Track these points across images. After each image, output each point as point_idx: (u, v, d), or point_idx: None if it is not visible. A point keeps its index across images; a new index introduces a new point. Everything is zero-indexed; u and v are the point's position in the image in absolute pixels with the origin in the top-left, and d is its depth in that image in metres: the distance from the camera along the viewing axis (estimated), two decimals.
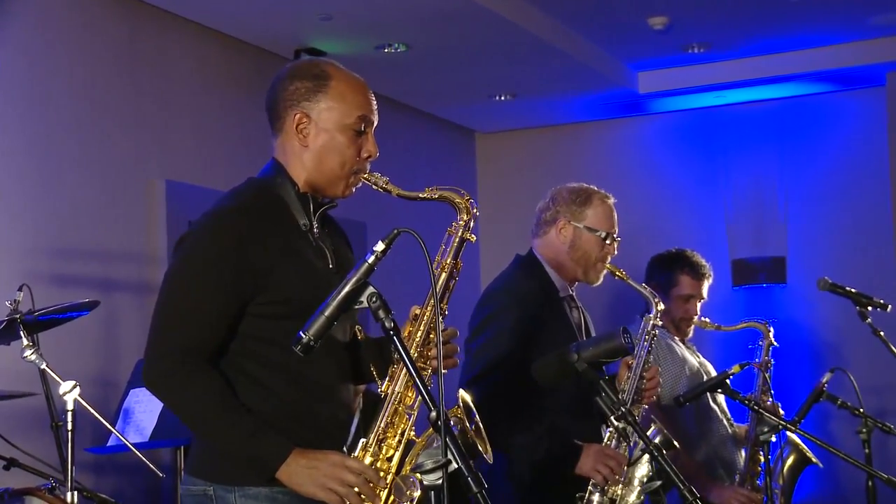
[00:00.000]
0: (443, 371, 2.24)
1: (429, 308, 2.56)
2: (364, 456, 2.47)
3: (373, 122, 2.63)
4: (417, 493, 2.36)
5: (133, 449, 3.79)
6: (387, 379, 2.54)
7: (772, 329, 4.53)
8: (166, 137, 5.59)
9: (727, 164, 7.85)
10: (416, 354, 2.54)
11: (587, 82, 7.29)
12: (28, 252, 4.80)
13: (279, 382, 2.51)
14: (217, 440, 2.47)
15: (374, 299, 2.29)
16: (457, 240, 2.61)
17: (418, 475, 2.39)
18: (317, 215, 2.62)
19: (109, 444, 4.27)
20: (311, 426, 2.51)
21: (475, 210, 2.62)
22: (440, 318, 2.35)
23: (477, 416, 2.42)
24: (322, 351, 2.33)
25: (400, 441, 2.49)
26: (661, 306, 3.74)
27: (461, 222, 2.62)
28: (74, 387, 3.50)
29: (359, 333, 2.68)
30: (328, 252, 2.62)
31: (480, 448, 2.44)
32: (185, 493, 2.56)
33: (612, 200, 3.70)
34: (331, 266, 2.61)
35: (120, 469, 4.95)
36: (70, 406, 3.51)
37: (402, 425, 2.50)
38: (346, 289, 2.29)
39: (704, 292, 4.56)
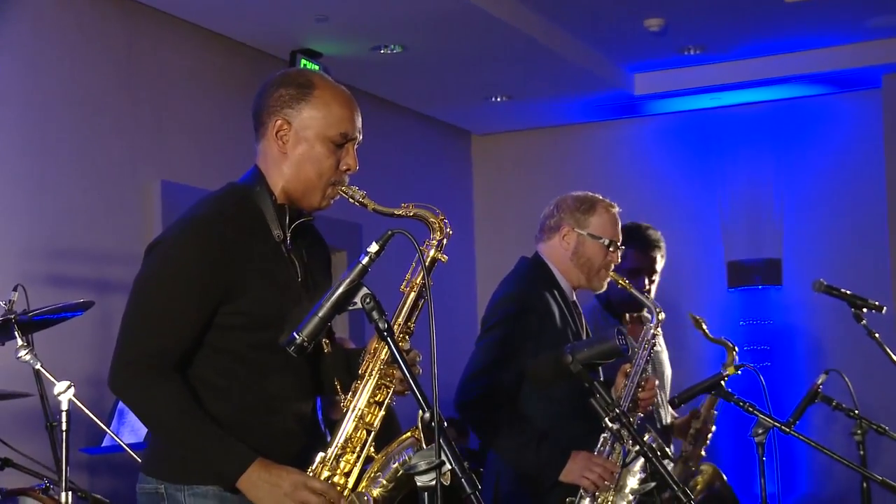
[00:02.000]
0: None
1: (396, 327, 2.54)
2: (322, 470, 2.48)
3: (355, 139, 2.60)
4: None
5: (128, 449, 3.78)
6: (349, 394, 2.53)
7: (737, 359, 4.41)
8: (162, 138, 5.59)
9: (723, 166, 7.86)
10: (379, 372, 2.53)
11: (583, 84, 7.29)
12: (23, 252, 4.79)
13: (236, 392, 2.52)
14: (181, 447, 2.48)
15: (368, 300, 2.29)
16: (428, 260, 2.57)
17: (373, 492, 2.44)
18: (291, 227, 2.60)
19: (104, 444, 4.26)
20: (265, 437, 2.51)
21: (448, 230, 2.60)
22: (433, 322, 2.34)
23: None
24: (281, 363, 2.38)
25: (358, 457, 2.49)
26: (662, 315, 3.75)
27: (434, 241, 2.59)
28: (69, 387, 3.50)
29: (325, 346, 2.66)
30: (299, 265, 2.61)
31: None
32: (139, 492, 2.59)
33: (616, 209, 3.72)
34: (300, 279, 2.59)
35: (114, 469, 4.95)
36: (64, 406, 3.50)
37: (361, 441, 2.50)
38: (341, 290, 2.29)
39: (658, 268, 4.37)
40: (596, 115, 8.06)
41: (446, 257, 2.59)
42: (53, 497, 3.67)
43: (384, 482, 2.46)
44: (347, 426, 2.50)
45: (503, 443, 3.48)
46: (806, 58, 7.19)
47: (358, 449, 2.50)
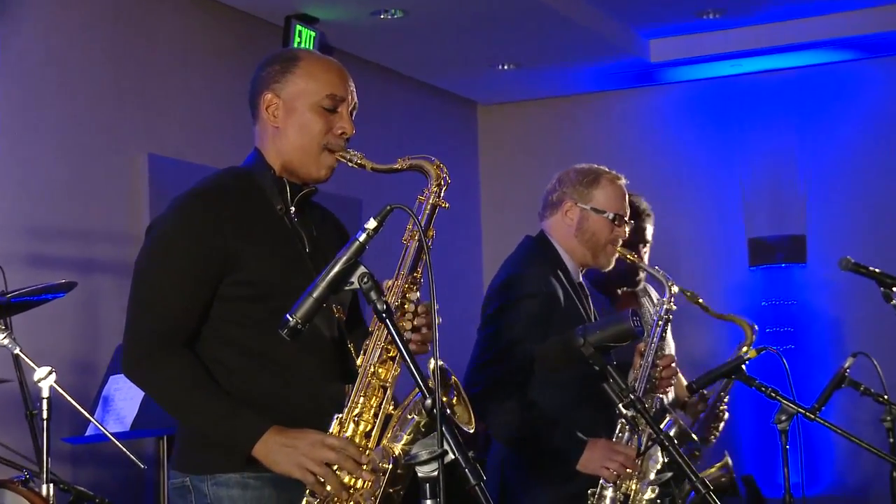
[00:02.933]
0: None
1: (399, 279, 2.56)
2: (340, 432, 2.51)
3: (344, 100, 2.69)
4: (388, 466, 2.44)
5: (113, 439, 3.78)
6: (360, 353, 2.57)
7: (756, 335, 4.42)
8: (149, 109, 5.56)
9: (743, 138, 7.82)
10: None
11: (595, 51, 7.26)
12: (1, 230, 4.78)
13: (248, 367, 2.59)
14: (194, 422, 2.57)
15: (365, 280, 2.30)
16: (428, 206, 2.62)
17: (395, 448, 2.45)
18: (295, 200, 2.69)
19: (88, 433, 4.26)
20: (283, 414, 2.55)
21: (446, 175, 2.65)
22: (435, 307, 2.33)
23: (453, 377, 2.41)
24: (303, 346, 2.43)
25: (376, 415, 2.52)
26: (676, 289, 3.72)
27: (433, 188, 2.63)
28: (50, 373, 3.49)
29: (336, 311, 2.68)
30: (305, 236, 2.68)
31: (462, 418, 2.44)
32: (170, 488, 2.69)
33: (622, 181, 3.69)
34: (307, 250, 2.66)
35: (99, 460, 4.95)
36: (45, 393, 3.50)
37: (378, 399, 2.53)
38: (336, 268, 2.30)
39: (649, 235, 4.35)
40: (609, 83, 8.02)
41: (448, 204, 2.63)
42: (34, 490, 3.66)
43: (406, 437, 2.46)
44: (361, 384, 2.52)
45: (515, 434, 3.46)
46: (831, 21, 7.14)
47: (374, 407, 2.52)
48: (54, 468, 3.58)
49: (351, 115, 2.70)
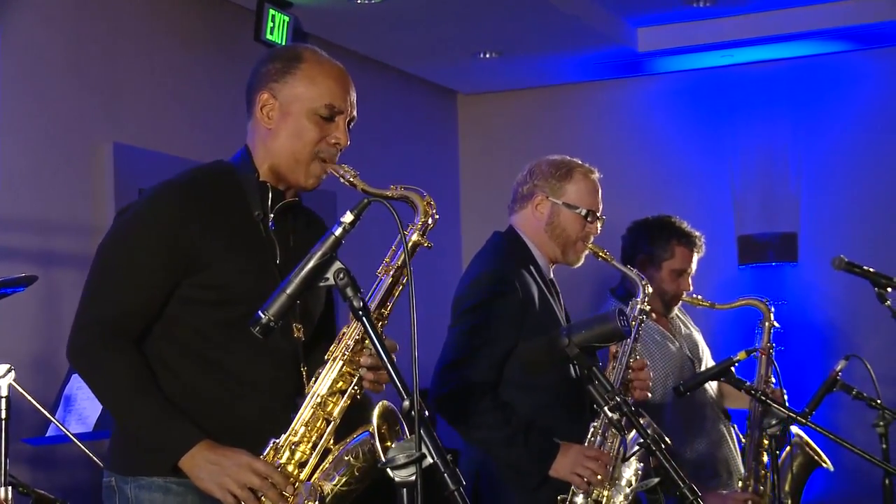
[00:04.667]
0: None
1: (373, 304, 2.55)
2: (273, 457, 2.51)
3: (343, 113, 2.70)
4: None
5: (75, 440, 3.77)
6: (311, 380, 2.57)
7: (773, 308, 4.50)
8: (114, 97, 5.53)
9: (734, 131, 7.84)
10: (344, 359, 2.54)
11: (580, 39, 7.26)
12: None
13: (195, 373, 2.60)
14: (127, 421, 2.59)
15: (341, 276, 2.30)
16: (410, 243, 2.59)
17: (325, 487, 2.46)
18: (275, 208, 2.69)
19: (48, 434, 4.24)
20: (226, 425, 2.57)
21: (434, 213, 2.62)
22: (413, 302, 2.32)
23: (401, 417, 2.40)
24: (250, 346, 2.44)
25: (314, 446, 2.52)
26: (650, 289, 3.74)
27: (418, 224, 2.60)
28: (9, 370, 3.49)
29: (295, 331, 2.68)
30: (279, 247, 2.68)
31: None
32: (103, 486, 2.72)
33: (596, 175, 3.69)
34: (277, 261, 2.66)
35: (60, 462, 4.93)
36: (3, 392, 3.50)
37: (318, 431, 2.53)
38: (311, 264, 2.31)
39: (695, 266, 4.53)
40: (594, 73, 8.03)
41: (431, 244, 2.61)
42: None
43: (338, 478, 2.48)
44: (305, 413, 2.53)
45: (486, 437, 3.46)
46: (826, 11, 7.16)
47: (314, 438, 2.53)
48: (13, 470, 3.57)
49: (348, 126, 2.72)
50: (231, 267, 2.59)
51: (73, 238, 5.17)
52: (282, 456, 2.51)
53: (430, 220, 2.60)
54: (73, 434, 3.82)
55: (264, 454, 2.51)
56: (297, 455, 2.52)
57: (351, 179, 2.61)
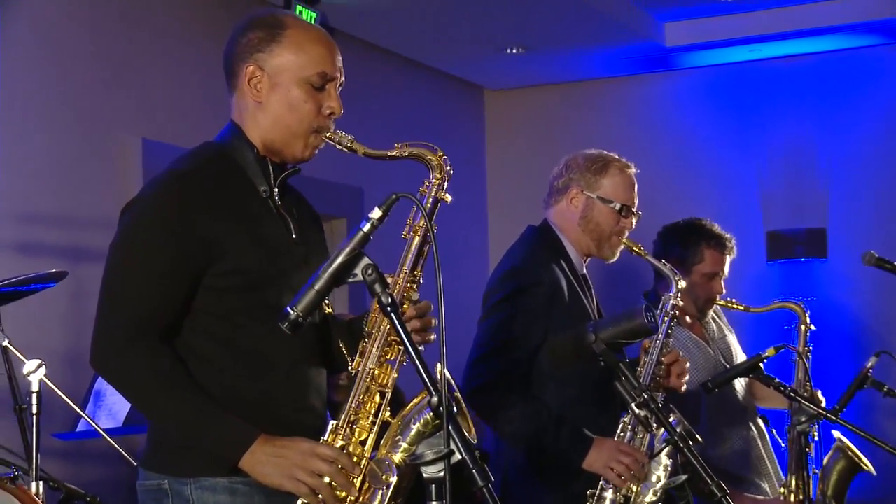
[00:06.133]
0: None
1: (401, 276, 2.55)
2: (334, 440, 2.47)
3: (335, 79, 2.60)
4: (394, 479, 2.39)
5: (105, 435, 3.79)
6: (356, 355, 2.53)
7: (808, 311, 4.47)
8: (143, 92, 5.56)
9: (762, 126, 7.81)
10: (387, 329, 2.51)
11: (608, 34, 7.24)
12: None
13: (231, 362, 2.51)
14: (174, 426, 2.48)
15: (369, 272, 2.28)
16: (429, 200, 2.58)
17: (395, 457, 2.41)
18: (278, 182, 2.61)
19: (79, 429, 4.26)
20: (268, 412, 2.50)
21: (449, 167, 2.60)
22: (441, 294, 2.30)
23: (457, 391, 2.40)
24: (289, 338, 2.32)
25: (373, 422, 2.49)
26: (683, 284, 3.73)
27: (435, 181, 2.59)
28: (40, 366, 3.51)
29: (326, 308, 2.67)
30: (291, 221, 2.61)
31: (462, 426, 2.43)
32: (140, 489, 2.57)
33: (632, 170, 3.69)
34: (293, 236, 2.60)
35: (90, 457, 4.95)
36: (35, 387, 3.51)
37: (375, 405, 2.49)
38: (339, 260, 2.28)
39: (727, 268, 4.51)
40: (622, 68, 8.01)
41: (450, 197, 2.59)
42: (23, 487, 3.67)
43: (405, 446, 2.43)
44: (359, 389, 2.49)
45: (517, 430, 3.46)
46: (855, 5, 7.12)
47: (372, 414, 2.48)
48: (44, 465, 3.59)
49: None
50: (252, 250, 2.50)
51: (102, 234, 5.16)
52: (341, 436, 2.46)
53: (445, 175, 2.58)
54: (102, 429, 3.84)
55: (325, 437, 2.46)
56: (357, 432, 2.47)
57: (349, 145, 2.55)
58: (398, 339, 2.46)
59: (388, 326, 2.48)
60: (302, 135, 2.58)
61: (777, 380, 3.72)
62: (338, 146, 2.57)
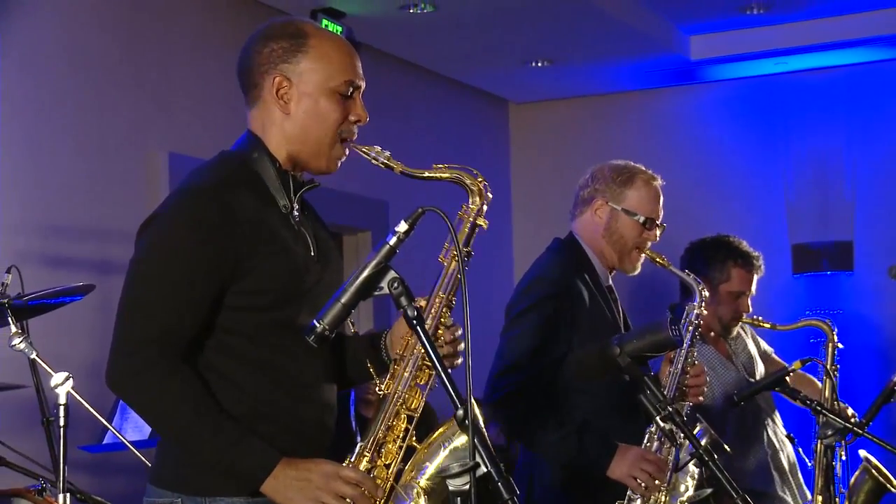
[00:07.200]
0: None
1: (437, 299, 2.53)
2: (360, 462, 2.44)
3: (360, 87, 2.57)
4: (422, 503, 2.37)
5: (131, 447, 3.80)
6: (387, 377, 2.51)
7: (836, 329, 4.43)
8: (169, 106, 5.59)
9: (788, 139, 7.80)
10: (420, 353, 2.49)
11: (633, 47, 7.25)
12: (17, 231, 4.81)
13: (254, 380, 2.46)
14: (194, 448, 2.41)
15: (395, 285, 2.27)
16: (467, 226, 2.57)
17: (419, 483, 2.40)
18: (297, 196, 2.57)
19: (105, 441, 4.27)
20: (291, 430, 2.48)
21: (488, 193, 2.59)
22: (467, 311, 2.30)
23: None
24: (306, 346, 2.29)
25: (400, 447, 2.46)
26: (706, 293, 3.71)
27: (473, 206, 2.58)
28: (67, 378, 3.50)
29: (350, 327, 2.66)
30: (309, 238, 2.56)
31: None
32: None
33: (658, 182, 3.67)
34: (312, 254, 2.55)
35: (117, 469, 4.97)
36: (62, 400, 3.50)
37: (402, 430, 2.47)
38: (365, 273, 2.27)
39: (754, 287, 4.47)
40: (647, 81, 8.01)
41: (487, 222, 2.57)
42: (49, 499, 3.69)
43: (432, 471, 2.42)
44: (389, 412, 2.47)
45: (542, 438, 3.45)
46: (881, 17, 7.11)
47: (400, 437, 2.46)
48: (71, 477, 3.59)
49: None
50: (275, 269, 2.44)
51: (129, 247, 5.15)
52: (368, 458, 2.44)
53: (484, 201, 2.56)
54: (129, 442, 3.85)
55: (352, 460, 2.44)
56: (383, 455, 2.45)
57: (386, 161, 2.51)
58: (429, 364, 2.45)
59: (422, 351, 2.46)
60: (329, 144, 2.54)
61: (803, 393, 3.71)
62: (374, 161, 2.53)
